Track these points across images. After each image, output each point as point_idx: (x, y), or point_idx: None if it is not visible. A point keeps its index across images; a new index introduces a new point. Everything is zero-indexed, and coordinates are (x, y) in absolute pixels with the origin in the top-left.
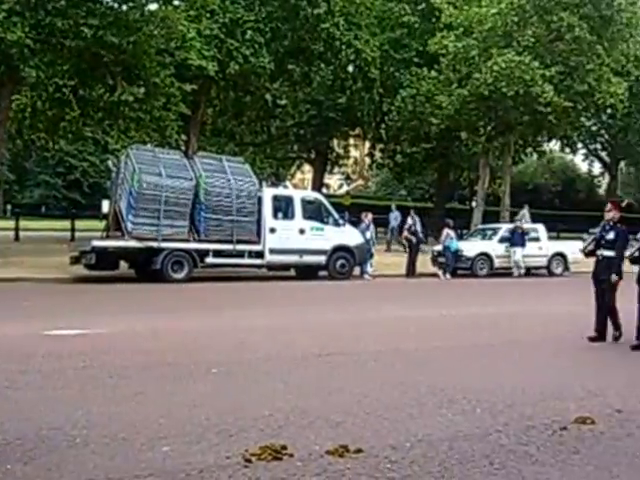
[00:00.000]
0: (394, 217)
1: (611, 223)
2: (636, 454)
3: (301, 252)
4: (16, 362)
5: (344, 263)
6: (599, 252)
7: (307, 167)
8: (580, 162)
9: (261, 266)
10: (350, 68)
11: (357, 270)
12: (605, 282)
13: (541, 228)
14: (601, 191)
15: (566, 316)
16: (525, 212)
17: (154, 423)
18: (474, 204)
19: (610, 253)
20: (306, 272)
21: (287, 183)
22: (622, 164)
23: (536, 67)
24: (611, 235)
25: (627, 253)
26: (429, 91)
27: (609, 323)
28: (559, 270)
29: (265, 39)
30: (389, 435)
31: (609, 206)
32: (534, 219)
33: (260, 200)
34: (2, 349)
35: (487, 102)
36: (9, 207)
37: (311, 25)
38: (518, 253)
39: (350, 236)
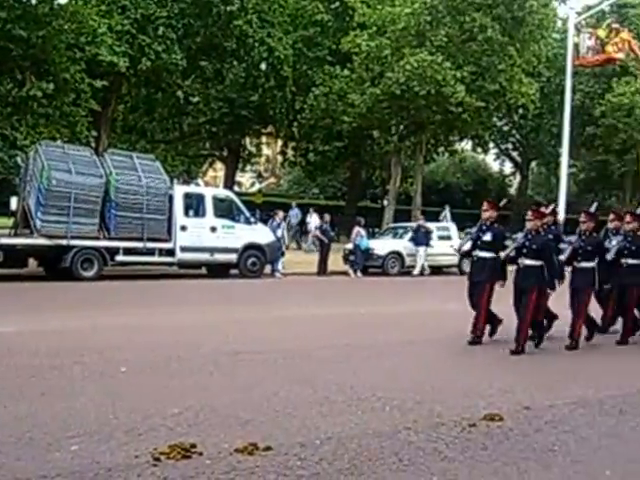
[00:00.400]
0: (294, 214)
1: (488, 223)
2: (544, 450)
3: (212, 250)
4: None
5: (255, 261)
6: (475, 253)
7: (219, 165)
8: (492, 162)
9: (172, 264)
10: (263, 66)
11: (268, 268)
12: (481, 284)
13: (452, 227)
14: (512, 190)
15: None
16: (447, 212)
17: (62, 422)
18: (386, 203)
19: (486, 254)
20: (217, 270)
21: (199, 181)
22: (533, 164)
23: (448, 67)
24: (488, 236)
25: (502, 254)
26: (341, 89)
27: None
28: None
29: (177, 35)
30: (298, 433)
31: (485, 205)
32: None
33: (171, 198)
34: None
35: (399, 101)
36: None
37: (224, 22)
38: (422, 252)
39: (261, 234)
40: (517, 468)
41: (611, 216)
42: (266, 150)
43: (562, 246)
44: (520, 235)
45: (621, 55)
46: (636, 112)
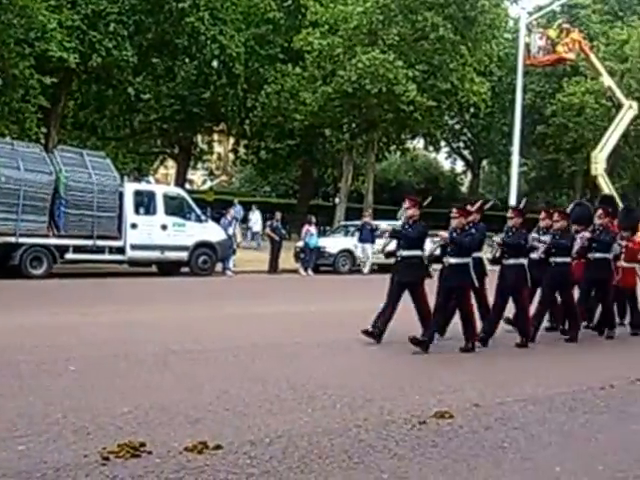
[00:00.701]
0: (237, 211)
1: (411, 221)
2: (494, 447)
3: (163, 248)
4: None
5: (206, 259)
6: (399, 252)
7: (170, 162)
8: (443, 160)
9: (122, 262)
10: (214, 63)
11: (219, 266)
12: (408, 284)
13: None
14: (464, 189)
15: None
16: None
17: (9, 422)
18: (337, 201)
19: (410, 252)
20: (168, 268)
21: (150, 178)
22: (484, 162)
23: (400, 66)
24: (411, 234)
25: (427, 252)
26: (293, 88)
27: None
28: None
29: (128, 32)
30: (248, 431)
31: (408, 203)
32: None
33: (121, 195)
34: None
35: (351, 99)
36: None
37: (175, 19)
38: (367, 249)
39: (212, 232)
40: (467, 465)
41: (542, 214)
42: (218, 148)
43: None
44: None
45: (572, 55)
46: (586, 111)
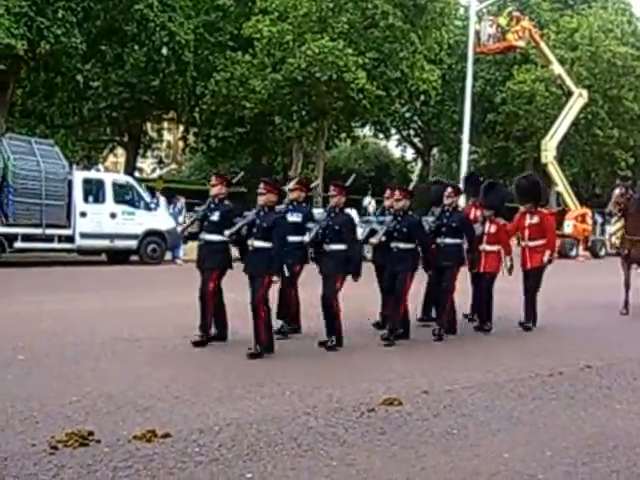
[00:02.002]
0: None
1: (216, 201)
2: (443, 434)
3: (112, 236)
4: None
5: (156, 248)
6: (202, 235)
7: (120, 151)
8: (393, 148)
9: (72, 250)
10: (164, 51)
11: (169, 255)
12: (207, 270)
13: (353, 213)
14: (414, 177)
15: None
16: (371, 200)
17: None
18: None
19: (213, 237)
20: (117, 257)
21: (99, 166)
22: (435, 150)
23: (350, 53)
24: (215, 216)
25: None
26: (243, 75)
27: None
28: (370, 255)
29: (77, 19)
30: (197, 419)
31: (214, 180)
32: (347, 204)
33: (70, 183)
34: None
35: (301, 87)
36: None
37: (124, 6)
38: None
39: (162, 221)
40: (415, 452)
41: (387, 192)
42: (167, 136)
43: (310, 225)
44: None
45: (522, 43)
46: (536, 99)
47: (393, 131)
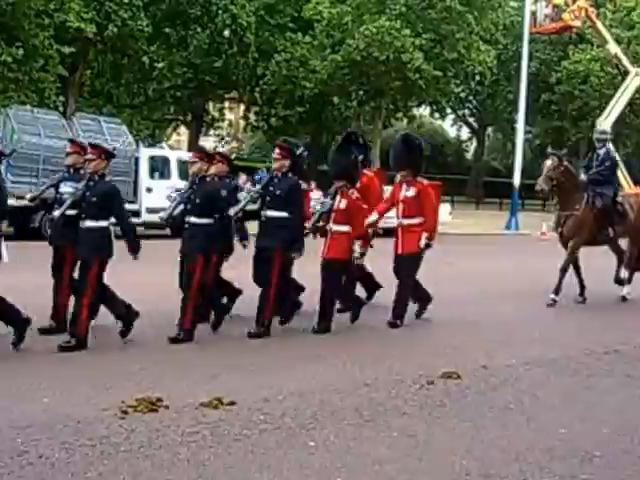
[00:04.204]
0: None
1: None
2: (500, 408)
3: None
4: None
5: None
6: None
7: (183, 129)
8: (449, 127)
9: (138, 225)
10: (226, 32)
11: None
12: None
13: None
14: (469, 156)
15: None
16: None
17: (34, 377)
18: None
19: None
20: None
21: (163, 144)
22: (490, 130)
23: (407, 34)
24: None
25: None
26: (303, 56)
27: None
28: None
29: (143, 2)
30: (262, 388)
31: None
32: None
33: (137, 160)
34: None
35: (359, 67)
36: None
37: None
38: None
39: None
40: (474, 425)
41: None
42: (229, 115)
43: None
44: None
45: (577, 23)
46: (591, 79)
47: (449, 111)
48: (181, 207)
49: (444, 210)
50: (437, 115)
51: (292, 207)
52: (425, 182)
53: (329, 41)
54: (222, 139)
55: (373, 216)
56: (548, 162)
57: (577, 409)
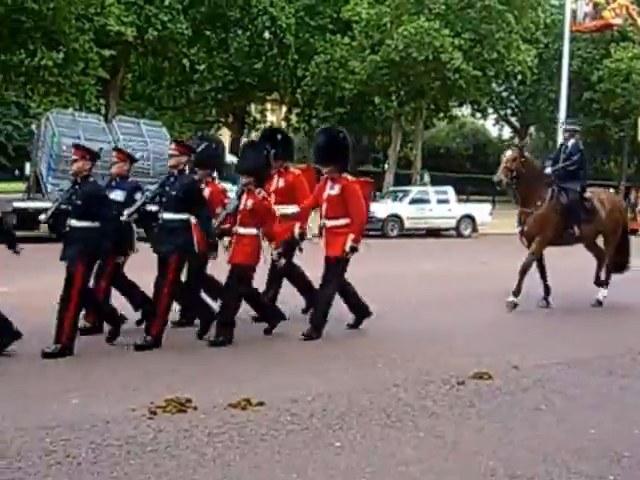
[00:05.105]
0: None
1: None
2: (531, 408)
3: None
4: None
5: None
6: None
7: (225, 131)
8: (491, 127)
9: None
10: (266, 34)
11: None
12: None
13: (450, 190)
14: None
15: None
16: (426, 176)
17: (62, 378)
18: (386, 167)
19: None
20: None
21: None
22: (532, 129)
23: (446, 34)
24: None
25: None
26: (342, 57)
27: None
28: (467, 231)
29: (183, 6)
30: (291, 389)
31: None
32: (445, 182)
33: None
34: None
35: (398, 68)
36: None
37: None
38: None
39: None
40: (503, 426)
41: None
42: (270, 116)
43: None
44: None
45: (618, 20)
46: (633, 77)
47: (490, 110)
48: (62, 208)
49: (484, 210)
50: (479, 115)
51: (193, 208)
52: (350, 178)
53: (368, 42)
54: None
55: (291, 209)
56: (508, 153)
57: (610, 410)
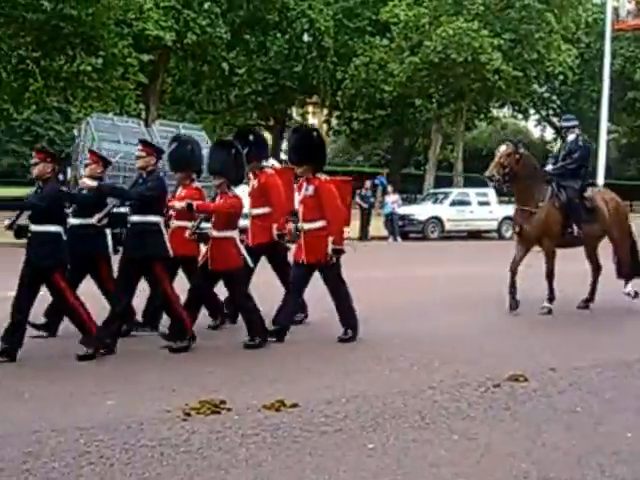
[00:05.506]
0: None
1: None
2: (566, 411)
3: None
4: None
5: None
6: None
7: (266, 134)
8: (533, 128)
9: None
10: (305, 37)
11: None
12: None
13: (491, 192)
14: None
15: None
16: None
17: (102, 379)
18: (427, 169)
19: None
20: None
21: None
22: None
23: (485, 35)
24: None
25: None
26: (382, 59)
27: None
28: (509, 233)
29: (221, 10)
30: (325, 390)
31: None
32: (486, 183)
33: None
34: None
35: (438, 69)
36: None
37: None
38: None
39: None
40: (538, 429)
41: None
42: (311, 119)
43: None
44: None
45: None
46: None
47: (532, 111)
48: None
49: None
50: (520, 116)
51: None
52: (324, 178)
53: (407, 43)
54: None
55: (264, 210)
56: (502, 147)
57: None
